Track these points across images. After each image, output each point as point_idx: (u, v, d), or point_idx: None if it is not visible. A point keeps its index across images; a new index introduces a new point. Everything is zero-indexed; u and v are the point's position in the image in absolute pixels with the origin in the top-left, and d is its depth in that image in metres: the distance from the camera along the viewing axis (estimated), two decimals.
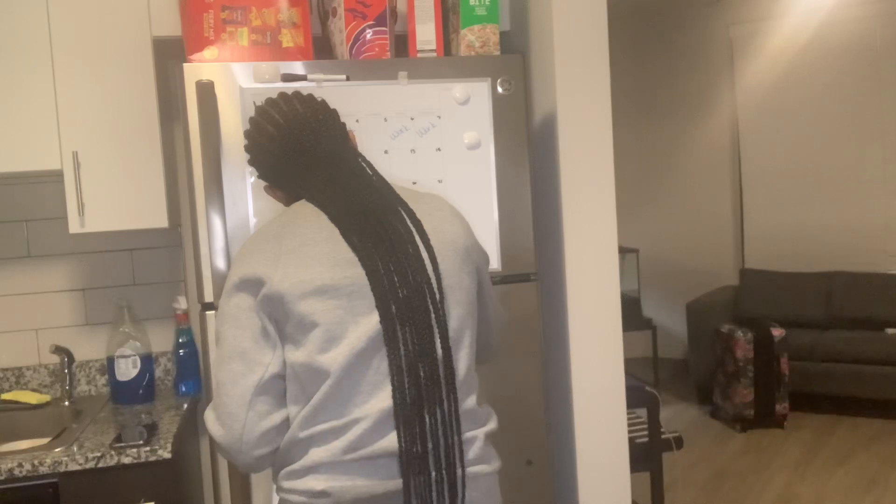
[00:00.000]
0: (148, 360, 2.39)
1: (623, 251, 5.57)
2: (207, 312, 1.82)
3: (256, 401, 1.26)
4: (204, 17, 1.88)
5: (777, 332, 4.67)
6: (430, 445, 1.27)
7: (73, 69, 2.12)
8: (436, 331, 1.30)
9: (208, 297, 1.83)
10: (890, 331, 4.97)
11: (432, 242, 1.34)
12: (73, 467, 1.87)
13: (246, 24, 1.91)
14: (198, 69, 1.81)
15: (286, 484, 1.30)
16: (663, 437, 2.91)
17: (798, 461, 4.22)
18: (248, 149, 1.42)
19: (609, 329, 2.10)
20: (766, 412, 4.66)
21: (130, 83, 2.15)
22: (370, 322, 1.27)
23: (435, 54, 2.02)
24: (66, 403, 2.37)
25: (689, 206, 6.23)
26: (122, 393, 2.35)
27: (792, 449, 4.41)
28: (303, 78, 1.86)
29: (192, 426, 2.35)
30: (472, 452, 1.33)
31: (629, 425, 2.22)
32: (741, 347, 4.65)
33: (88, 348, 2.49)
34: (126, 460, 1.89)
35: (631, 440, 2.25)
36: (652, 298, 6.20)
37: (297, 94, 1.44)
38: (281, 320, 1.28)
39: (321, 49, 2.13)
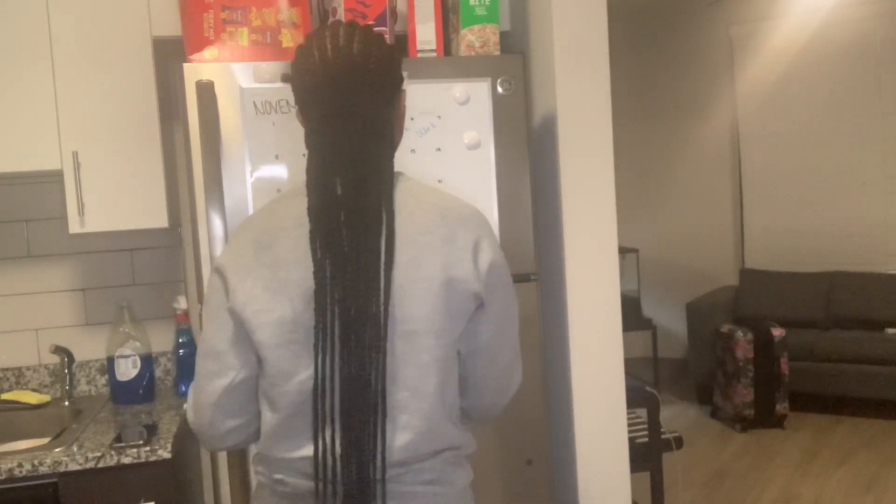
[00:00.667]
0: (148, 360, 2.39)
1: (623, 251, 5.55)
2: None
3: (224, 401, 1.27)
4: (204, 17, 1.88)
5: (777, 332, 4.67)
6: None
7: (73, 69, 2.12)
8: (376, 390, 1.18)
9: None
10: (890, 331, 4.97)
11: (399, 280, 1.20)
12: (73, 467, 1.87)
13: (246, 24, 1.91)
14: (198, 69, 1.81)
15: (253, 467, 1.36)
16: (663, 437, 2.91)
17: (798, 461, 4.22)
18: (294, 62, 1.28)
19: (609, 329, 2.09)
20: (766, 412, 4.66)
21: (130, 83, 2.15)
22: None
23: (435, 54, 2.02)
24: (66, 403, 2.37)
25: (689, 206, 6.23)
26: (122, 393, 2.35)
27: (792, 449, 4.41)
28: None
29: None
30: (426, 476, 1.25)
31: (629, 425, 2.21)
32: (741, 347, 4.65)
33: (88, 348, 2.48)
34: (126, 460, 1.89)
35: (631, 440, 2.25)
36: (652, 298, 6.19)
37: (368, 29, 1.26)
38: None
39: None
